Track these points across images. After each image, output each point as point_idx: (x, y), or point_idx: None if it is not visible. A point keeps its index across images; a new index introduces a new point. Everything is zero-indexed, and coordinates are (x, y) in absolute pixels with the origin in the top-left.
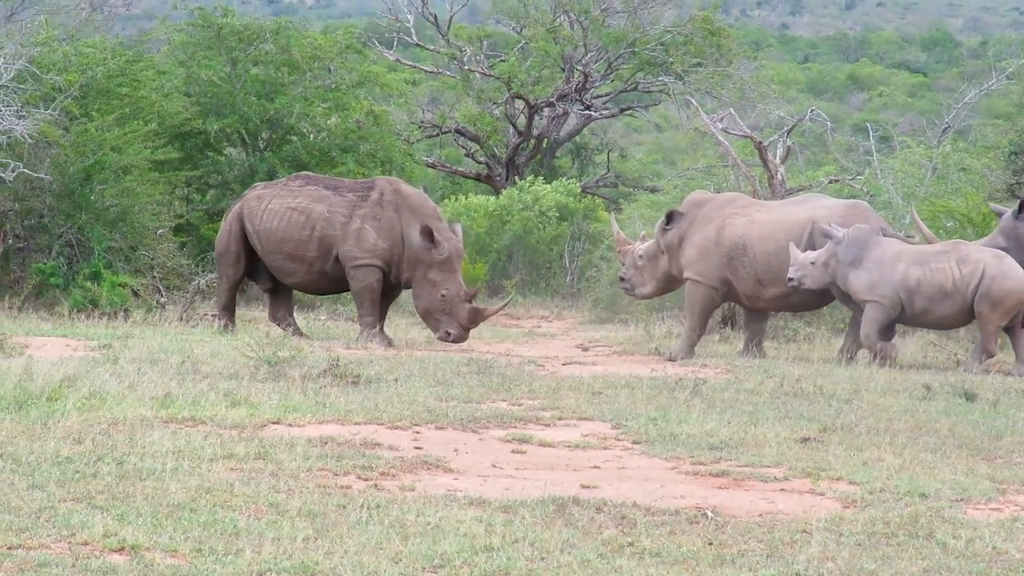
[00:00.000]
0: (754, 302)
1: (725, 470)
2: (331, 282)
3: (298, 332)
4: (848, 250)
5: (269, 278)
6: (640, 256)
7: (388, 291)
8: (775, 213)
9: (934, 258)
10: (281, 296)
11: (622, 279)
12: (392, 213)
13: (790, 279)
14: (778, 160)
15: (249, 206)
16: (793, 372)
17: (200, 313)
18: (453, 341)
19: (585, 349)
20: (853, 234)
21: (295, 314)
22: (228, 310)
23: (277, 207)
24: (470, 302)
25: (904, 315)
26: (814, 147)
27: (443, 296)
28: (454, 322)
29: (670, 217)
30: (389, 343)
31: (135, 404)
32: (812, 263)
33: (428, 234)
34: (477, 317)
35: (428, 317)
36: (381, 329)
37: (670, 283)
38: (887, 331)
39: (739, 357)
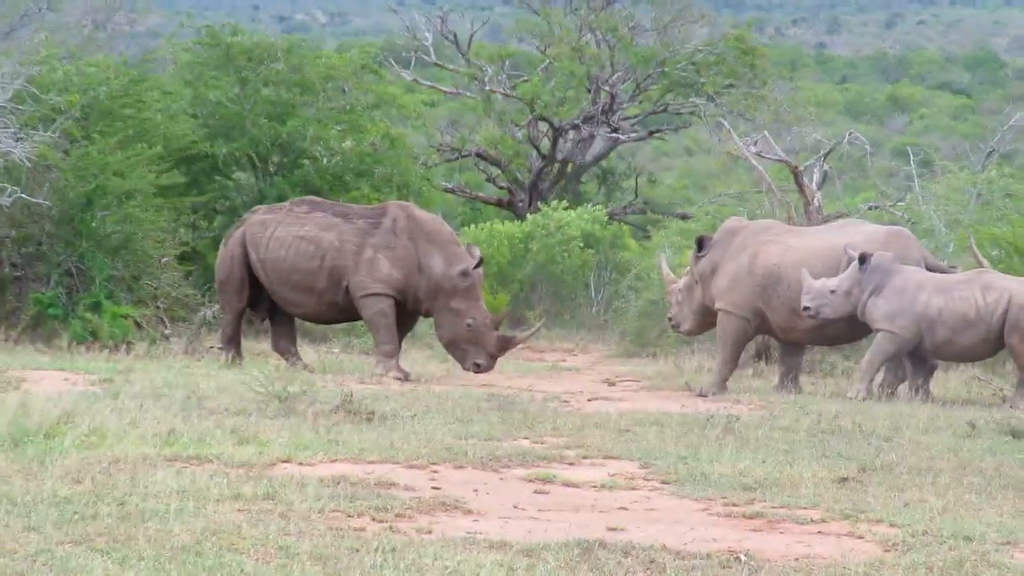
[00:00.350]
0: (788, 334)
1: (759, 511)
2: (341, 312)
3: (301, 363)
4: (870, 277)
5: (268, 306)
6: (680, 290)
7: (404, 320)
8: (811, 240)
9: (957, 287)
10: (283, 325)
11: (670, 319)
12: (406, 241)
13: (805, 308)
14: (814, 186)
15: (252, 231)
16: (831, 408)
17: (206, 346)
18: (481, 371)
19: (612, 384)
20: (876, 261)
21: (298, 344)
22: (233, 342)
23: (284, 235)
24: (496, 329)
25: (924, 346)
26: (852, 172)
27: (469, 325)
28: (482, 352)
29: (701, 243)
30: (406, 376)
31: (137, 442)
32: (832, 291)
33: (464, 273)
34: (506, 345)
35: (454, 348)
36: (397, 361)
37: (707, 315)
38: (920, 367)
39: (774, 392)
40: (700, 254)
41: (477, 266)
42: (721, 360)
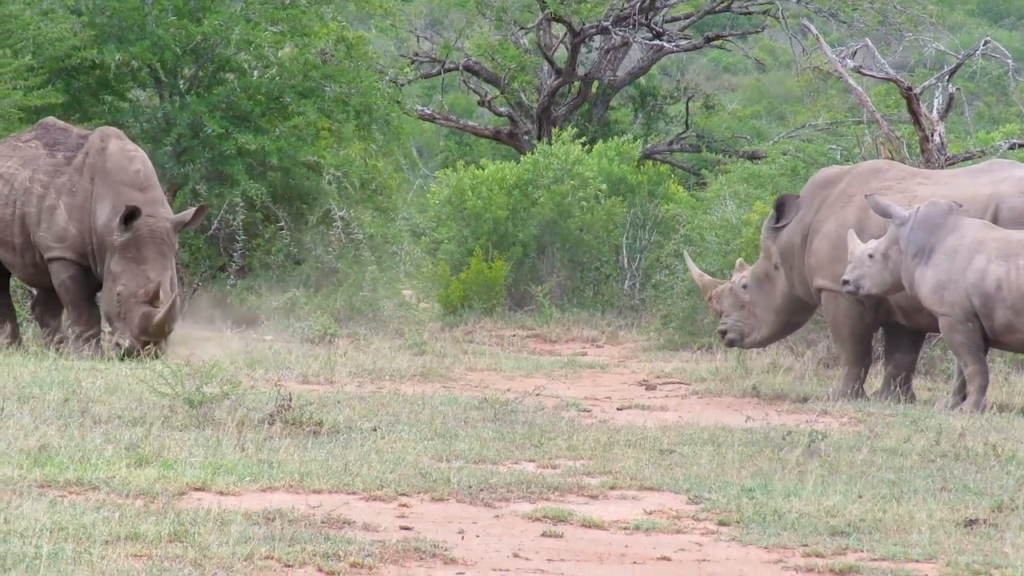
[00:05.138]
0: (913, 318)
1: (853, 565)
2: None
3: (15, 336)
4: (914, 235)
5: None
6: (744, 287)
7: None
8: (945, 187)
9: None
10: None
11: (723, 333)
12: (87, 184)
13: (845, 282)
14: (935, 115)
15: None
16: (954, 424)
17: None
18: (125, 355)
19: (651, 387)
20: (923, 213)
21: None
22: (4, 317)
23: None
24: (151, 303)
25: (984, 333)
26: (989, 95)
27: (119, 294)
28: (127, 330)
29: (781, 207)
30: (126, 352)
31: None
32: (871, 255)
33: (126, 218)
34: (147, 325)
35: (110, 324)
36: (99, 342)
37: (798, 311)
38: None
39: (876, 401)
40: (779, 224)
41: (130, 219)
42: (845, 359)
